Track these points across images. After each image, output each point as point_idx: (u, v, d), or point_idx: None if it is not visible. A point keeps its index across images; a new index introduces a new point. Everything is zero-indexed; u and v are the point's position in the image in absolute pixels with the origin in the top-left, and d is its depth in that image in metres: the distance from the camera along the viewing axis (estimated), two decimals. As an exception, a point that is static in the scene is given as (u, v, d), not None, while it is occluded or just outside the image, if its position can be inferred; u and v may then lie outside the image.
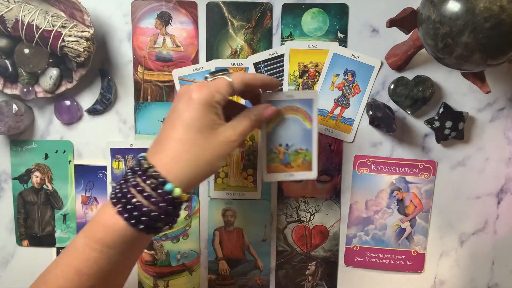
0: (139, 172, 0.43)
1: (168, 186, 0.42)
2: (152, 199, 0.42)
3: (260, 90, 0.52)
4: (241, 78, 0.47)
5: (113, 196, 0.43)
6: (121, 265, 0.44)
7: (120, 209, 0.42)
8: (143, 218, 0.42)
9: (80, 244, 0.43)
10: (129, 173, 0.44)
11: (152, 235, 0.45)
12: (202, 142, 0.44)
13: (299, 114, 0.55)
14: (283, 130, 0.54)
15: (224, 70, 0.48)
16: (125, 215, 0.42)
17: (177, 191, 0.43)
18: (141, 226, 0.42)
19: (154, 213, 0.42)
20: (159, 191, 0.42)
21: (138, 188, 0.42)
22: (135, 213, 0.42)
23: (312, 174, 0.55)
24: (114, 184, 0.44)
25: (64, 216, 0.63)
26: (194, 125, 0.44)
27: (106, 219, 0.43)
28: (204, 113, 0.44)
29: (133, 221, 0.42)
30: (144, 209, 0.42)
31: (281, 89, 0.60)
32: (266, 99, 0.52)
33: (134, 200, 0.42)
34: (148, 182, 0.42)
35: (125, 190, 0.43)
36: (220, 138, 0.45)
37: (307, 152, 0.55)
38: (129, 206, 0.42)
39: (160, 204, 0.42)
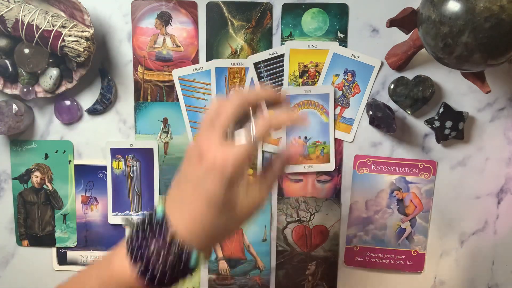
0: (165, 240, 0.43)
1: (194, 258, 0.43)
2: (177, 268, 0.43)
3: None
4: (263, 133, 0.45)
5: (132, 254, 0.44)
6: None
7: (142, 270, 0.43)
8: (165, 281, 0.44)
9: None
10: (149, 231, 0.44)
11: None
12: (228, 216, 0.44)
13: (316, 108, 0.56)
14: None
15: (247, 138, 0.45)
16: (148, 277, 0.43)
17: (201, 259, 0.44)
18: (161, 287, 0.44)
19: (175, 277, 0.44)
20: (184, 260, 0.43)
21: (164, 257, 0.43)
22: (158, 277, 0.43)
23: (330, 166, 0.57)
24: (131, 237, 0.45)
25: (64, 216, 0.63)
26: (221, 201, 0.43)
27: (126, 280, 0.44)
28: (230, 189, 0.43)
29: (155, 283, 0.43)
30: (167, 274, 0.43)
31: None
32: (285, 94, 0.54)
33: (159, 266, 0.43)
34: (175, 251, 0.43)
35: (148, 255, 0.43)
36: (246, 209, 0.45)
37: (325, 145, 0.58)
38: (152, 270, 0.43)
39: (183, 271, 0.44)
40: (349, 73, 0.60)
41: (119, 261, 0.45)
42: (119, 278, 0.44)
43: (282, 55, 0.60)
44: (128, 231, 0.47)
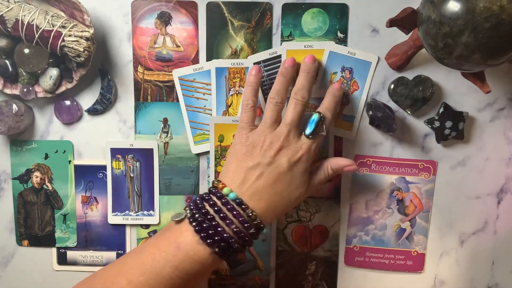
0: (246, 224, 0.49)
1: (264, 231, 0.52)
2: (248, 243, 0.50)
3: (291, 87, 0.57)
4: (330, 123, 0.55)
5: (205, 235, 0.48)
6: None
7: (217, 250, 0.48)
8: (234, 253, 0.50)
9: (168, 274, 0.48)
10: (218, 206, 0.50)
11: None
12: (295, 198, 0.53)
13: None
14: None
15: (319, 122, 0.53)
16: (223, 256, 0.49)
17: (266, 232, 0.52)
18: (231, 258, 0.52)
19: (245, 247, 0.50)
20: (255, 236, 0.50)
21: (241, 237, 0.49)
22: (229, 252, 0.49)
23: None
24: (198, 221, 0.49)
25: (64, 216, 0.63)
26: (297, 191, 0.52)
27: (202, 258, 0.48)
28: (306, 181, 0.53)
29: (227, 257, 0.49)
30: (238, 249, 0.50)
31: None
32: (288, 95, 0.54)
33: (236, 245, 0.49)
34: (251, 231, 0.50)
35: (226, 235, 0.48)
36: (302, 192, 0.53)
37: (324, 150, 0.57)
38: (224, 246, 0.48)
39: (250, 243, 0.51)
40: (346, 71, 0.60)
41: (190, 244, 0.49)
42: (193, 258, 0.48)
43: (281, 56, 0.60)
44: (188, 213, 0.51)
